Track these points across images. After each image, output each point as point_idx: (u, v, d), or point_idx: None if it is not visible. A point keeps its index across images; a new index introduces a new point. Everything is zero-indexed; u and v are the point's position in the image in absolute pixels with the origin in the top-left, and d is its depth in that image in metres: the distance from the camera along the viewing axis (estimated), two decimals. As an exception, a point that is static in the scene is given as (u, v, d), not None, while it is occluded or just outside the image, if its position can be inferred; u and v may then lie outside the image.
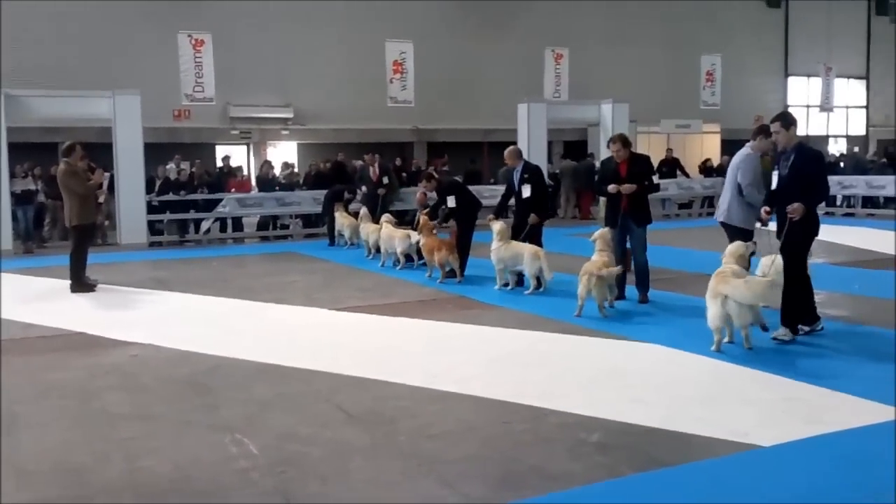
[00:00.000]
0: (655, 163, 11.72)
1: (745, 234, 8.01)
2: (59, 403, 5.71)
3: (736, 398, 5.50)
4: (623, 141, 9.19)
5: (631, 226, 9.06)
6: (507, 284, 10.03)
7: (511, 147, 10.81)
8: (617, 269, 8.51)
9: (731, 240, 7.83)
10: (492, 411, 5.31)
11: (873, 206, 21.53)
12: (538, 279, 9.68)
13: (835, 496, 3.97)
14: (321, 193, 18.30)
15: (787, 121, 7.13)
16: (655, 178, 9.22)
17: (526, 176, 10.17)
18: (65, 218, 10.71)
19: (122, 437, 4.99)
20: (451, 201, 11.28)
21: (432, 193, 12.14)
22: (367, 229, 13.81)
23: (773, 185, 7.20)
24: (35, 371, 6.53)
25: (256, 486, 4.19)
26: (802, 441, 4.64)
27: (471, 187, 18.30)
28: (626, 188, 8.89)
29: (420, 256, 11.79)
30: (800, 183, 6.90)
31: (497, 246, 9.95)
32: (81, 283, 10.71)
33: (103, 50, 22.97)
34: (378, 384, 5.99)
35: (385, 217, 13.19)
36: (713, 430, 4.81)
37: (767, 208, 7.26)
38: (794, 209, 6.76)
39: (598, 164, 20.03)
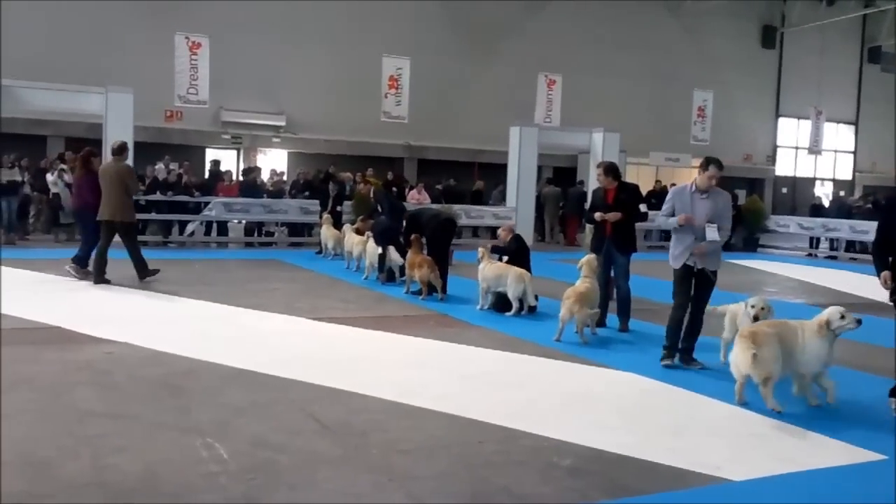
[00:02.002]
0: (645, 193, 11.78)
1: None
2: (28, 396, 5.64)
3: (708, 431, 5.51)
4: (606, 169, 9.22)
5: (614, 254, 9.09)
6: (491, 306, 10.03)
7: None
8: (595, 312, 8.57)
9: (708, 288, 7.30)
10: (465, 430, 5.30)
11: (856, 250, 21.71)
12: (521, 301, 9.68)
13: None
14: (309, 203, 18.35)
15: None
16: (643, 208, 9.25)
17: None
18: (112, 213, 11.05)
19: (91, 433, 4.93)
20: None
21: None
22: (352, 241, 13.80)
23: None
24: (7, 363, 6.44)
25: (225, 491, 4.15)
26: (773, 478, 4.64)
27: (457, 206, 18.47)
28: (611, 216, 8.93)
29: (402, 272, 11.79)
30: None
31: (482, 266, 9.99)
32: (147, 269, 11.31)
33: (98, 46, 22.93)
34: (353, 396, 5.96)
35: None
36: (685, 461, 4.81)
37: (888, 273, 6.17)
38: None
39: (588, 192, 20.20)
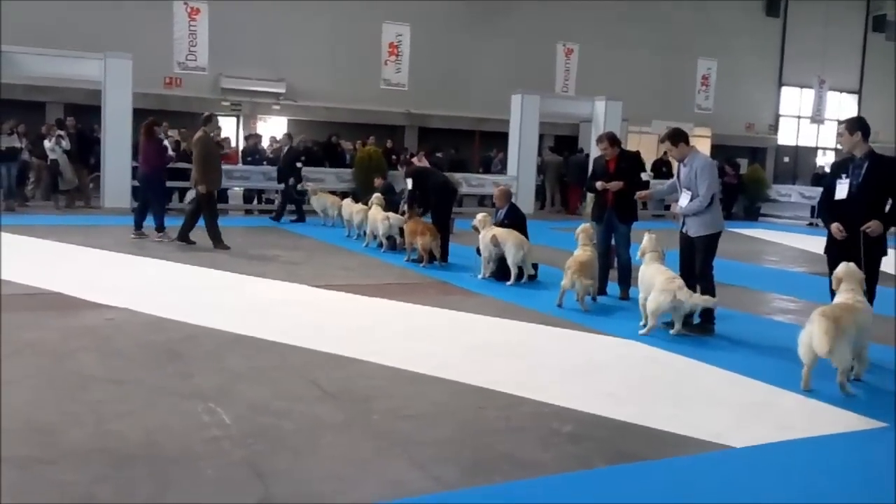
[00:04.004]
0: (652, 162, 11.72)
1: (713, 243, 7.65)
2: (31, 362, 5.65)
3: (709, 398, 5.52)
4: (609, 139, 9.24)
5: (615, 223, 9.10)
6: (491, 274, 9.99)
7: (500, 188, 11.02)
8: (592, 282, 8.51)
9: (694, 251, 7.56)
10: (467, 397, 5.31)
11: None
12: (521, 269, 9.67)
13: (803, 500, 3.99)
14: (312, 170, 18.24)
15: (855, 126, 6.57)
16: (644, 176, 9.23)
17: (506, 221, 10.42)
18: (193, 180, 12.15)
19: (94, 399, 4.94)
20: (408, 184, 11.77)
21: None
22: (352, 209, 13.75)
23: (841, 195, 6.59)
24: (9, 329, 6.45)
25: (227, 455, 4.16)
26: (774, 444, 4.66)
27: (458, 174, 18.37)
28: (613, 185, 8.93)
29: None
30: (875, 195, 6.40)
31: (483, 234, 9.96)
32: (221, 240, 11.96)
33: (97, 11, 22.67)
34: (354, 363, 5.97)
35: (375, 198, 13.10)
36: (686, 428, 4.82)
37: (839, 225, 6.51)
38: (875, 227, 6.29)
39: (590, 160, 20.09)
